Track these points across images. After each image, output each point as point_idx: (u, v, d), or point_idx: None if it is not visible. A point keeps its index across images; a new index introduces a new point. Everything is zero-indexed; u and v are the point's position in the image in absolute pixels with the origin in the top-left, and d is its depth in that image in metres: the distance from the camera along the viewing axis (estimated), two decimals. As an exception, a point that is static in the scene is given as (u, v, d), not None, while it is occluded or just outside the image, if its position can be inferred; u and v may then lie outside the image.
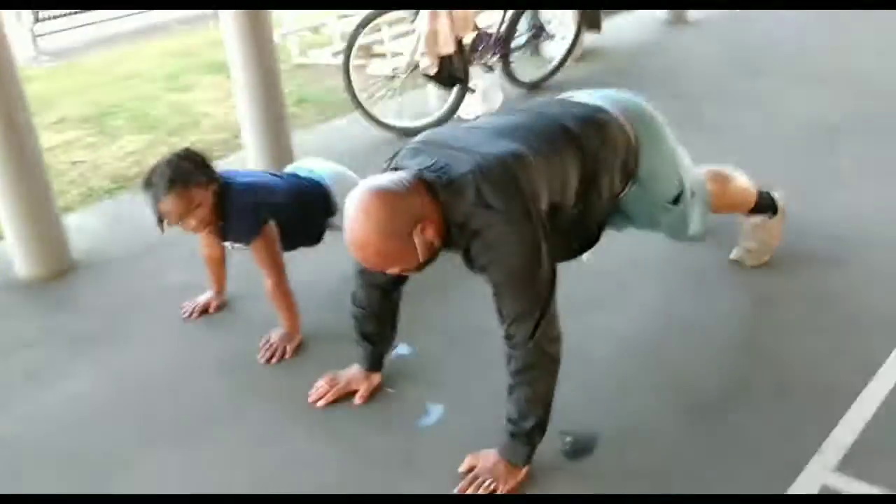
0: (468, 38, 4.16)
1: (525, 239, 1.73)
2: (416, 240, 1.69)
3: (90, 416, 2.22)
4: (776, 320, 2.44)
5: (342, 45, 4.57)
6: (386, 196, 1.67)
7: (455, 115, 4.13)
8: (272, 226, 2.35)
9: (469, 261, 1.83)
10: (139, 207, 3.52)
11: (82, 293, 2.82)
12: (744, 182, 2.56)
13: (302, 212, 2.51)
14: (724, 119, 3.98)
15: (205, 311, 2.63)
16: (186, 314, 2.62)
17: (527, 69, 4.78)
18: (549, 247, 1.77)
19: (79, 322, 2.65)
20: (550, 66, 4.86)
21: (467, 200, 1.71)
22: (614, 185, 2.05)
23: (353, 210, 1.68)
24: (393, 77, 4.24)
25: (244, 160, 3.68)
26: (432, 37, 3.84)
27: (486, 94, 4.28)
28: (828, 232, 2.84)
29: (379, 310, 2.14)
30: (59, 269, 2.91)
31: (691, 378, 2.20)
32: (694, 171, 2.36)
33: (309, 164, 2.73)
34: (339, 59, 4.30)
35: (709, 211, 2.41)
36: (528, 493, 1.86)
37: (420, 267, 1.77)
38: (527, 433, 1.85)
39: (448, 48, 3.89)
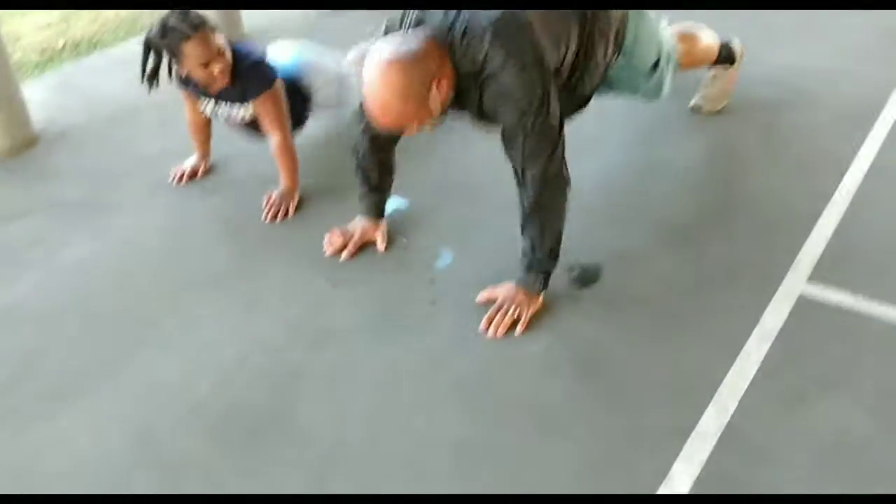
0: None
1: (535, 83, 1.84)
2: (432, 96, 1.79)
3: (104, 280, 2.23)
4: (738, 158, 2.66)
5: None
6: (401, 63, 1.76)
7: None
8: (281, 82, 2.35)
9: (481, 109, 1.93)
10: (86, 78, 3.42)
11: (58, 163, 2.74)
12: (708, 38, 2.71)
13: (288, 93, 2.48)
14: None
15: (193, 175, 2.62)
16: (175, 179, 2.61)
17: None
18: (556, 94, 1.89)
19: (65, 191, 2.60)
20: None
21: (482, 49, 1.81)
22: (608, 53, 2.16)
23: (372, 80, 1.77)
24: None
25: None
26: None
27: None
28: (774, 80, 3.07)
29: (385, 160, 2.24)
30: (24, 140, 2.82)
31: (673, 212, 2.41)
32: (667, 33, 2.49)
33: (278, 53, 2.60)
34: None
35: (678, 70, 2.56)
36: (545, 322, 2.04)
37: (434, 121, 1.87)
38: (540, 261, 2.02)
39: None
